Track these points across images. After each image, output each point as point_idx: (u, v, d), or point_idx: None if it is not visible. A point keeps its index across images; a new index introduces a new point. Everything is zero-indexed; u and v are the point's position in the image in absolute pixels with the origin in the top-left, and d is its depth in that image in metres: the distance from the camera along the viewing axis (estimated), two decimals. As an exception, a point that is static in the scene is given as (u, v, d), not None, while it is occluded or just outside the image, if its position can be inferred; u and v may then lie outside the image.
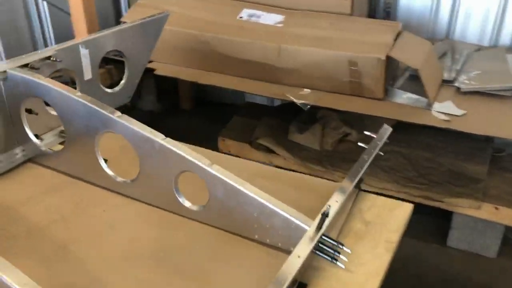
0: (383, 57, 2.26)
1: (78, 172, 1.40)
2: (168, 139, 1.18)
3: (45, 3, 3.07)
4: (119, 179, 1.31)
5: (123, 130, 1.21)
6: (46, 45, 3.18)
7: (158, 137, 1.18)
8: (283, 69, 2.51)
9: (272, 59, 2.51)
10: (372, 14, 2.98)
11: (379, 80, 2.33)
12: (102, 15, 3.49)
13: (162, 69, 2.81)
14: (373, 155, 1.30)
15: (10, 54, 2.92)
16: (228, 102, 3.84)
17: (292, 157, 2.64)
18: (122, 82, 1.78)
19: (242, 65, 2.60)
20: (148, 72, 2.83)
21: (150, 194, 1.27)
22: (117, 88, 1.77)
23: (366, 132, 1.43)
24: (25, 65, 1.41)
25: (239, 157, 2.86)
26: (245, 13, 2.70)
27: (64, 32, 3.14)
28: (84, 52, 1.59)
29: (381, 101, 2.38)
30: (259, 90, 2.58)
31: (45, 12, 3.11)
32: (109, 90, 1.75)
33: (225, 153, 2.80)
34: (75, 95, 1.27)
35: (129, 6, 3.70)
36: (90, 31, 2.79)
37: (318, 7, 2.63)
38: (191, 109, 3.96)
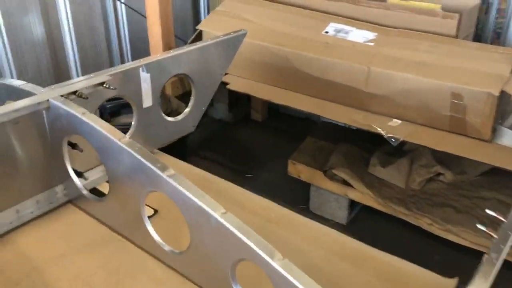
0: (496, 93, 1.83)
1: (119, 227, 1.14)
2: (229, 214, 0.88)
3: (123, 5, 2.89)
4: (167, 247, 1.03)
5: (174, 194, 0.92)
6: (120, 46, 3.01)
7: (217, 211, 0.88)
8: (371, 95, 2.13)
9: (358, 83, 2.15)
10: (478, 33, 2.51)
11: (487, 118, 1.90)
12: (180, 18, 3.27)
13: (235, 83, 2.52)
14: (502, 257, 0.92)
15: (84, 54, 2.77)
16: (302, 116, 3.50)
17: (371, 193, 2.26)
18: (187, 110, 1.51)
19: (323, 86, 2.26)
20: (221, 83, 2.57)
21: (201, 275, 0.98)
22: (180, 117, 1.50)
23: (488, 212, 1.05)
24: (74, 92, 1.16)
25: (310, 184, 2.57)
26: (331, 27, 2.34)
27: (139, 35, 2.95)
28: (144, 77, 1.33)
29: (487, 143, 1.95)
30: (341, 116, 2.22)
31: (122, 14, 2.93)
32: (171, 119, 1.48)
33: (294, 178, 2.49)
34: (121, 141, 1.00)
35: (209, 10, 3.46)
36: (165, 35, 2.57)
37: (417, 25, 2.22)
38: (263, 120, 3.66)
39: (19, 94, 1.17)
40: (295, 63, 2.29)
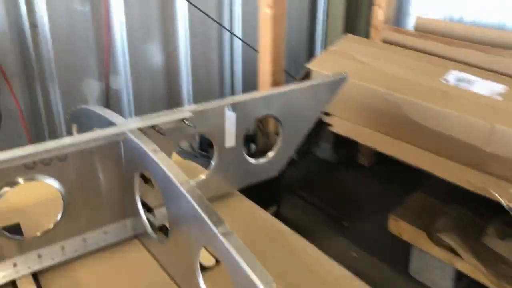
0: None
1: (174, 275, 1.05)
2: (279, 292, 0.74)
3: (240, 41, 2.93)
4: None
5: (223, 254, 0.81)
6: (232, 79, 3.03)
7: (267, 285, 0.74)
8: (492, 156, 1.83)
9: (479, 140, 1.86)
10: None
11: None
12: (294, 54, 3.22)
13: (340, 125, 2.37)
14: None
15: (197, 84, 2.83)
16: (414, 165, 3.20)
17: (484, 267, 1.92)
18: (271, 154, 1.40)
19: (437, 139, 2.00)
20: (324, 124, 2.44)
21: None
22: (263, 160, 1.40)
23: None
24: (153, 127, 1.12)
25: (413, 245, 2.29)
26: (452, 75, 2.09)
27: (252, 69, 2.95)
28: (229, 116, 1.26)
29: None
30: (454, 176, 1.94)
31: (237, 48, 2.97)
32: (253, 161, 1.38)
33: (396, 236, 2.24)
34: (182, 186, 0.91)
35: (325, 46, 3.37)
36: (274, 71, 2.52)
37: (559, 80, 1.88)
38: (369, 165, 3.43)
39: (101, 121, 1.16)
40: (407, 111, 2.07)
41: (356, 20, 3.26)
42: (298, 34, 3.23)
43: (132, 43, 2.50)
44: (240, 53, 2.96)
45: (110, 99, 2.54)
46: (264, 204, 2.43)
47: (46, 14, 2.20)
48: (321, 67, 2.42)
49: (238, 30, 2.89)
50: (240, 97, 1.28)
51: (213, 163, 1.30)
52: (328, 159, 3.42)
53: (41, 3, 2.17)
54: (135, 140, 1.04)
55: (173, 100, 2.79)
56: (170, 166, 0.96)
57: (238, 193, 1.40)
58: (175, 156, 1.57)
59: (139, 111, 2.65)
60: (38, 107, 2.31)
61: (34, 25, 2.20)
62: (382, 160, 3.35)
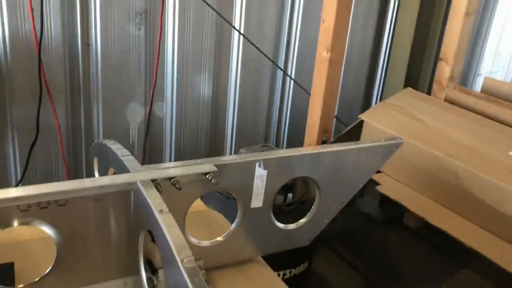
0: None
1: None
2: None
3: (292, 82, 2.79)
4: None
5: None
6: (280, 119, 2.88)
7: None
8: None
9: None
10: None
11: None
12: (349, 101, 3.04)
13: (389, 186, 2.15)
14: None
15: (242, 119, 2.70)
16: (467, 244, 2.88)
17: None
18: (303, 220, 1.22)
19: (497, 219, 1.74)
20: (372, 181, 2.23)
21: None
22: (292, 227, 1.21)
23: None
24: (170, 179, 0.98)
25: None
26: (523, 150, 1.83)
27: (301, 112, 2.80)
28: (260, 173, 1.10)
29: None
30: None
31: (289, 88, 2.83)
32: (281, 226, 1.20)
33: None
34: (182, 263, 0.75)
35: (381, 99, 3.17)
36: (324, 117, 2.36)
37: None
38: (417, 228, 3.13)
39: (116, 163, 1.03)
40: (466, 182, 1.83)
41: (418, 74, 3.05)
42: (355, 81, 3.06)
43: (182, 72, 2.42)
44: (291, 95, 2.81)
45: (151, 126, 2.45)
46: (295, 259, 2.23)
47: (100, 35, 2.16)
48: (375, 119, 2.23)
49: (291, 71, 2.76)
50: (276, 153, 1.11)
51: (234, 224, 1.13)
52: (372, 214, 3.16)
53: (97, 23, 2.13)
54: (144, 193, 0.89)
55: (215, 134, 2.67)
56: (173, 231, 0.80)
57: (261, 260, 1.22)
58: (197, 202, 1.43)
59: (180, 141, 2.55)
60: (79, 126, 2.26)
61: (87, 44, 2.16)
62: (431, 225, 3.07)
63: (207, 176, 1.01)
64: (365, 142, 1.24)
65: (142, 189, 0.91)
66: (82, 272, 0.97)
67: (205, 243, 1.09)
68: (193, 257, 0.76)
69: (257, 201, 1.12)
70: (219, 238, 1.12)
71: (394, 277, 2.58)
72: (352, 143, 1.22)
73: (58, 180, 1.62)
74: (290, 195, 2.19)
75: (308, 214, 1.22)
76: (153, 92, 2.32)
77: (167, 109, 2.47)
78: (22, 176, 2.13)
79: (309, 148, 1.16)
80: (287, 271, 2.14)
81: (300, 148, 1.16)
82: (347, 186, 1.25)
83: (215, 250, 1.12)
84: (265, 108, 2.79)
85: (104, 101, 2.27)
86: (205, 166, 1.02)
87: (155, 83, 2.31)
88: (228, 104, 2.64)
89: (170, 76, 2.40)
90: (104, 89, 2.25)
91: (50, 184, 0.89)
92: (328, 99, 2.37)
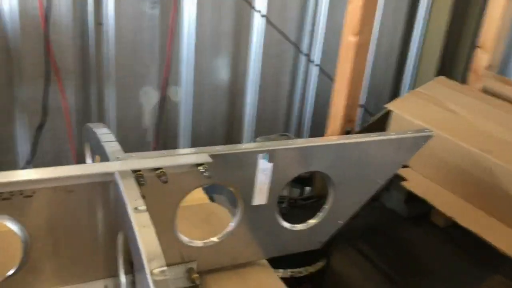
0: None
1: None
2: None
3: (315, 66, 2.60)
4: None
5: None
6: (302, 106, 2.70)
7: None
8: None
9: None
10: None
11: None
12: (377, 89, 2.83)
13: (416, 182, 1.97)
14: None
15: (262, 106, 2.54)
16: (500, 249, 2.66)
17: None
18: (313, 221, 1.06)
19: (537, 224, 1.54)
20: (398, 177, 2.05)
21: None
22: (301, 227, 1.06)
23: None
24: (155, 169, 0.84)
25: None
26: None
27: (325, 100, 2.62)
28: (264, 167, 0.94)
29: None
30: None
31: (312, 75, 2.64)
32: (287, 226, 1.05)
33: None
34: (152, 274, 0.61)
35: (413, 87, 2.94)
36: (348, 106, 2.17)
37: None
38: (444, 226, 2.92)
39: (101, 151, 0.89)
40: (500, 180, 1.63)
41: (453, 61, 2.81)
42: (384, 68, 2.84)
43: (199, 55, 2.27)
44: (314, 81, 2.62)
45: (166, 111, 2.32)
46: (311, 256, 2.07)
47: (114, 13, 2.03)
48: (403, 110, 2.03)
49: (316, 56, 2.57)
50: (282, 144, 0.96)
51: (232, 223, 0.98)
52: (397, 210, 2.96)
53: (110, 1, 2.00)
54: (120, 186, 0.76)
55: (233, 121, 2.52)
56: (147, 234, 0.66)
57: (265, 263, 1.07)
58: (198, 192, 1.28)
59: (196, 127, 2.41)
60: (89, 108, 2.15)
61: (99, 23, 2.04)
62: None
63: (200, 168, 0.86)
64: (391, 133, 1.07)
65: (119, 181, 0.77)
66: (53, 273, 0.84)
67: (198, 243, 0.95)
68: (165, 268, 0.62)
69: (260, 198, 0.97)
70: (214, 239, 0.97)
71: (418, 278, 2.40)
72: (375, 134, 1.05)
73: (68, 164, 1.51)
74: (308, 188, 2.03)
75: (319, 214, 1.06)
76: (166, 75, 2.18)
77: (183, 93, 2.33)
78: (31, 158, 2.04)
79: (324, 138, 1.01)
80: (302, 269, 1.99)
81: (315, 138, 1.00)
82: (367, 183, 1.08)
83: (210, 251, 0.98)
84: (286, 95, 2.62)
85: (117, 83, 2.14)
86: (198, 156, 0.87)
87: (168, 66, 2.17)
88: (247, 90, 2.48)
89: (186, 59, 2.25)
90: (117, 71, 2.13)
91: (14, 171, 0.76)
92: (353, 87, 2.19)
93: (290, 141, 0.98)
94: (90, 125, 0.99)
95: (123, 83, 2.16)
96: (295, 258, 1.99)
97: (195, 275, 0.95)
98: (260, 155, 0.93)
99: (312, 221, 1.06)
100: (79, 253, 0.85)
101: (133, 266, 0.90)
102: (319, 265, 2.08)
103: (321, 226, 1.07)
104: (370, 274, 2.47)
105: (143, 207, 0.71)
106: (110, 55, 2.08)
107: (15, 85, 1.94)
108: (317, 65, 2.57)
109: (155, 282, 0.59)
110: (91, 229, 0.84)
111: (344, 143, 1.00)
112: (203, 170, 0.85)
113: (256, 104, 2.50)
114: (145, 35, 2.13)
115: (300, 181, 1.93)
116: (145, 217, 0.69)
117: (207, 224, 1.11)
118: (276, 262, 1.94)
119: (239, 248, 1.01)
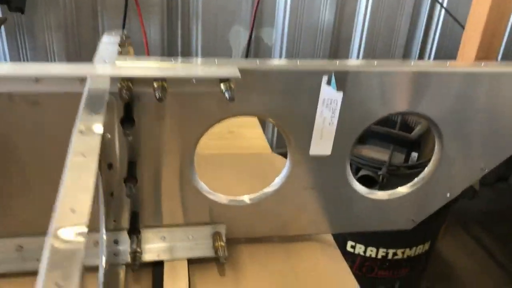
0: None
1: None
2: None
3: (443, 12, 2.09)
4: None
5: None
6: (421, 57, 2.23)
7: None
8: None
9: None
10: None
11: None
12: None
13: None
14: None
15: (370, 56, 2.14)
16: None
17: None
18: (403, 189, 0.69)
19: None
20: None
21: None
22: (384, 195, 0.69)
23: None
24: (157, 80, 0.55)
25: None
26: None
27: (450, 52, 2.12)
28: (329, 95, 0.60)
29: None
30: None
31: (437, 21, 2.13)
32: (364, 192, 0.69)
33: None
34: (53, 226, 0.33)
35: None
36: (481, 59, 1.69)
37: None
38: None
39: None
40: None
41: None
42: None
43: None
44: (439, 28, 2.12)
45: (257, 54, 2.03)
46: (410, 237, 1.68)
47: None
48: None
49: (444, -4, 2.06)
50: (363, 66, 0.60)
51: (277, 180, 0.67)
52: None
53: None
54: (84, 96, 0.48)
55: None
56: (78, 167, 0.38)
57: (330, 239, 0.74)
58: (258, 138, 0.98)
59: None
60: (175, 44, 1.94)
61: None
62: None
63: (223, 85, 0.55)
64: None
65: (85, 89, 0.49)
66: (11, 214, 0.61)
67: (222, 198, 0.66)
68: (85, 230, 0.33)
69: (321, 145, 0.64)
70: (245, 199, 0.67)
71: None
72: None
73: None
74: (414, 154, 1.61)
75: (415, 181, 0.69)
76: (255, 13, 1.88)
77: (277, 36, 2.01)
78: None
79: (437, 64, 0.62)
80: (399, 251, 1.61)
81: (422, 62, 0.62)
82: (494, 144, 0.68)
83: (243, 215, 0.68)
84: (403, 44, 2.16)
85: (204, 20, 1.90)
86: (222, 69, 0.56)
87: (258, 2, 1.85)
88: (353, 35, 2.08)
89: (283, -4, 1.93)
90: (205, 6, 1.88)
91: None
92: (488, 36, 1.68)
93: (375, 62, 0.62)
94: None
95: (211, 20, 1.91)
96: (391, 236, 1.61)
97: (221, 243, 0.66)
98: (325, 77, 0.59)
99: (402, 190, 0.69)
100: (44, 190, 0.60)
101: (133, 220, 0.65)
102: (421, 248, 1.68)
103: (416, 199, 0.70)
104: (484, 264, 1.99)
105: (99, 130, 0.43)
106: (197, -13, 1.83)
107: (99, 15, 1.79)
108: (444, 7, 2.06)
109: (53, 250, 0.31)
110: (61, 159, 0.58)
111: (473, 72, 0.62)
112: (226, 88, 0.54)
113: (363, 53, 2.10)
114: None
115: (405, 143, 1.52)
116: (91, 144, 0.41)
117: (261, 179, 0.80)
118: (365, 238, 1.60)
119: (287, 215, 0.69)
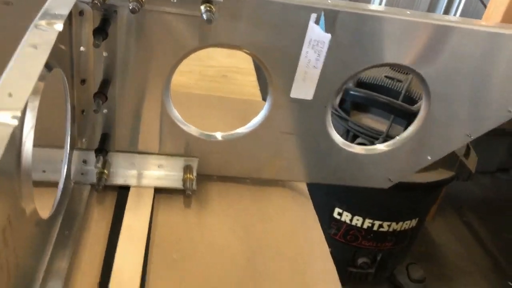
0: None
1: None
2: None
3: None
4: None
5: None
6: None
7: None
8: None
9: None
10: None
11: None
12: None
13: None
14: None
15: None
16: None
17: None
18: (382, 147, 0.67)
19: None
20: None
21: None
22: (361, 150, 0.67)
23: None
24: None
25: None
26: None
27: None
28: (317, 35, 0.57)
29: None
30: None
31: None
32: (340, 142, 0.67)
33: None
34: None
35: None
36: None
37: None
38: None
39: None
40: None
41: None
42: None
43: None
44: (461, 6, 2.04)
45: None
46: (398, 212, 1.67)
47: None
48: None
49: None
50: (354, 8, 0.57)
51: (255, 119, 0.65)
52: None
53: None
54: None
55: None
56: (25, 59, 0.36)
57: (303, 189, 0.73)
58: (249, 86, 0.96)
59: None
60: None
61: None
62: None
63: (205, 7, 0.52)
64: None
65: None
66: None
67: (193, 130, 0.64)
68: (18, 118, 0.32)
69: (303, 89, 0.61)
70: (217, 135, 0.65)
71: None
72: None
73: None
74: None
75: (396, 138, 0.67)
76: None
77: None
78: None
79: (434, 16, 0.59)
80: (385, 224, 1.60)
81: (418, 13, 0.59)
82: (487, 109, 0.65)
83: (216, 152, 0.66)
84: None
85: None
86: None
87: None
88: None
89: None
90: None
91: None
92: (509, 16, 1.63)
93: (372, 6, 0.58)
94: None
95: None
96: (379, 208, 1.60)
97: (190, 176, 0.65)
98: (313, 15, 0.56)
99: (380, 147, 0.67)
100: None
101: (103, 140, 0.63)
102: (407, 224, 1.67)
103: (395, 157, 0.68)
104: (472, 254, 1.99)
105: (58, 28, 0.41)
106: None
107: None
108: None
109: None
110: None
111: (469, 30, 0.58)
112: (206, 11, 0.51)
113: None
114: None
115: (406, 115, 1.48)
116: (45, 39, 0.39)
117: (242, 121, 0.78)
118: (352, 207, 1.59)
119: (262, 158, 0.67)
